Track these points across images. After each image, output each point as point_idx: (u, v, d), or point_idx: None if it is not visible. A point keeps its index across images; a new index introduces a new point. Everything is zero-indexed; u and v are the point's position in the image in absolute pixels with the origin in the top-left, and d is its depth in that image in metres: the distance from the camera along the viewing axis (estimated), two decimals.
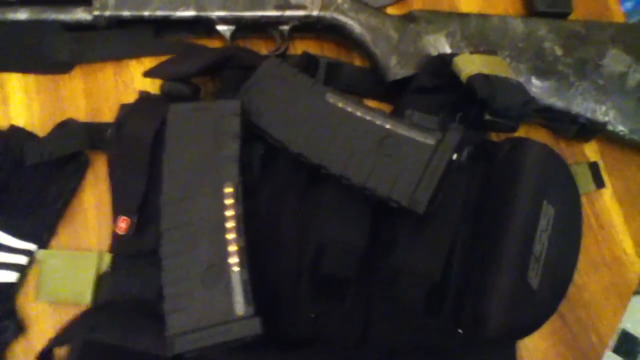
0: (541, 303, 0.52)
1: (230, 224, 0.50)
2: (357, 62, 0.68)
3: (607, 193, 0.66)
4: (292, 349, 0.53)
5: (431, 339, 0.55)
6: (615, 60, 0.62)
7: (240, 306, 0.48)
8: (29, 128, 0.63)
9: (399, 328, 0.55)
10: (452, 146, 0.50)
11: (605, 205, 0.65)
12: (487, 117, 0.54)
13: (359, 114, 0.54)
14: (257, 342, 0.48)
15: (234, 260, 0.49)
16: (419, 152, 0.51)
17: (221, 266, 0.49)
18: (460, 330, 0.54)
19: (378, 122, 0.53)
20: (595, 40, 0.63)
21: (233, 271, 0.49)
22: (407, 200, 0.49)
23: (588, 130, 0.64)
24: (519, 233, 0.51)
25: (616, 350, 1.40)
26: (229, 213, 0.51)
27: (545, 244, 0.52)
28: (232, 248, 0.50)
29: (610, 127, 0.62)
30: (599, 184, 0.65)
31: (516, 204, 0.52)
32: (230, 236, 0.50)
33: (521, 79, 0.61)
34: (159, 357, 0.50)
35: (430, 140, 0.51)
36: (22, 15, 0.62)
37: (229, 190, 0.51)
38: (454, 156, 0.51)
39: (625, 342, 1.40)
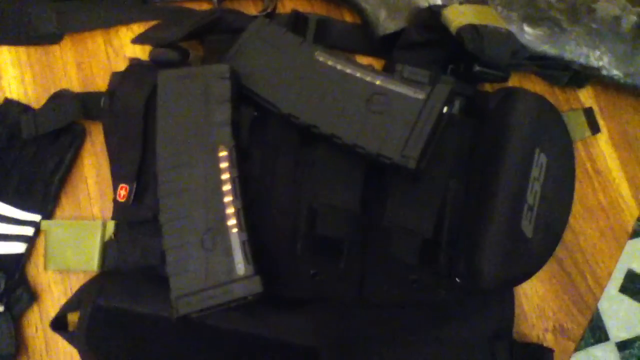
0: (536, 251, 0.53)
1: (226, 187, 0.51)
2: (348, 18, 0.67)
3: (602, 138, 0.66)
4: (290, 308, 0.55)
5: (427, 294, 0.56)
6: (608, 4, 0.60)
7: (240, 266, 0.49)
8: (23, 100, 0.63)
9: (395, 285, 0.56)
10: (442, 99, 0.50)
11: (601, 151, 0.65)
12: (477, 68, 0.53)
13: (348, 71, 0.54)
14: (257, 301, 0.50)
15: (232, 222, 0.50)
16: (409, 107, 0.51)
17: (220, 229, 0.50)
18: (458, 280, 0.55)
19: (368, 79, 0.53)
20: None
21: (232, 233, 0.50)
22: (398, 156, 0.49)
23: (582, 76, 0.63)
24: (510, 183, 0.52)
25: (623, 290, 1.43)
26: (225, 176, 0.52)
27: (538, 193, 0.53)
28: (230, 210, 0.51)
29: (604, 72, 0.61)
30: (595, 129, 0.65)
31: (507, 154, 0.52)
32: (227, 199, 0.51)
33: (512, 28, 0.60)
34: (166, 319, 0.52)
35: (420, 95, 0.51)
36: None
37: (223, 153, 0.52)
38: (444, 109, 0.51)
39: (631, 281, 1.42)
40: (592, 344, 1.41)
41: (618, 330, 1.42)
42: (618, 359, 1.41)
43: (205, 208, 0.51)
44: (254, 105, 0.56)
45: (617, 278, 1.43)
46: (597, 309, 1.40)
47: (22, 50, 0.65)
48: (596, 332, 1.42)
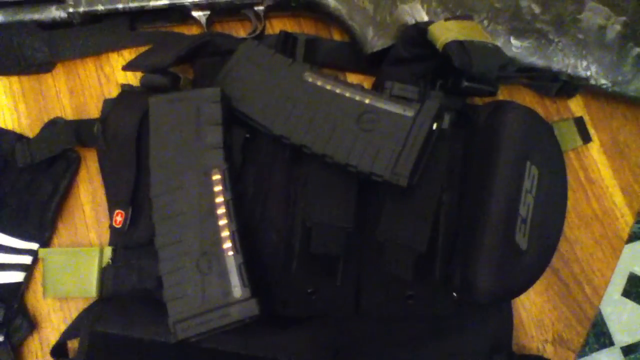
0: (531, 263, 0.53)
1: (220, 210, 0.52)
2: (337, 36, 0.67)
3: (594, 147, 0.66)
4: (287, 326, 0.55)
5: (423, 309, 0.56)
6: (593, 13, 0.61)
7: (237, 289, 0.50)
8: (17, 129, 0.64)
9: (391, 300, 0.56)
10: (431, 116, 0.51)
11: (593, 159, 0.66)
12: (465, 83, 0.54)
13: (338, 90, 0.54)
14: (255, 322, 0.50)
15: (227, 245, 0.51)
16: (399, 125, 0.51)
17: (215, 252, 0.51)
18: (455, 294, 0.55)
19: (357, 98, 0.53)
20: None
21: (227, 256, 0.51)
22: (389, 173, 0.49)
23: (571, 86, 0.63)
24: (503, 196, 0.52)
25: (625, 294, 1.42)
26: (219, 199, 0.52)
27: (531, 205, 0.53)
28: (225, 233, 0.51)
29: (592, 82, 0.62)
30: (586, 138, 0.65)
31: (499, 167, 0.53)
32: (222, 222, 0.51)
33: (499, 41, 0.60)
34: (164, 343, 0.52)
35: (409, 112, 0.51)
36: None
37: (216, 177, 0.52)
38: (434, 126, 0.51)
39: (633, 284, 1.42)
40: (597, 350, 1.40)
41: (622, 335, 1.42)
42: None
43: (200, 231, 0.51)
44: (245, 127, 0.57)
45: (619, 282, 1.43)
46: (600, 314, 1.40)
47: (14, 79, 0.65)
48: (600, 338, 1.41)
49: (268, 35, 0.66)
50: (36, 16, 0.62)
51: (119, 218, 0.57)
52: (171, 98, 0.54)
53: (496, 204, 0.52)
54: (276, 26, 0.67)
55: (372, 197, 0.56)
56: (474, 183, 0.54)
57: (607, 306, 1.41)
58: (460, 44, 0.53)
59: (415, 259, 0.53)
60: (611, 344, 1.41)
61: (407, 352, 0.57)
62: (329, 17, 0.63)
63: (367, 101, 0.53)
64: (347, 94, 0.54)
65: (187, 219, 0.52)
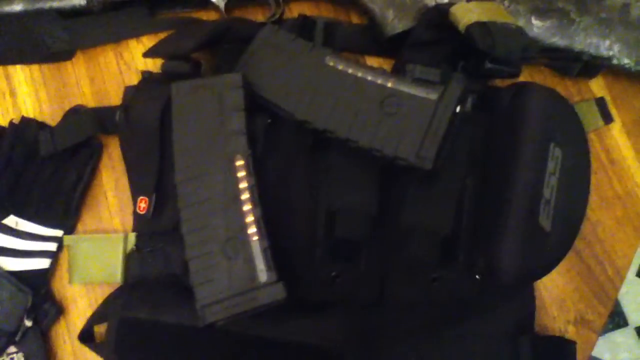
0: (555, 244, 0.53)
1: (244, 196, 0.52)
2: (355, 19, 0.67)
3: (616, 128, 0.65)
4: (312, 311, 0.56)
5: (447, 292, 0.56)
6: None
7: (263, 273, 0.50)
8: (38, 118, 0.64)
9: (416, 284, 0.56)
10: (455, 99, 0.50)
11: (614, 140, 0.65)
12: (488, 65, 0.53)
13: (359, 74, 0.54)
14: (280, 306, 0.50)
15: (252, 230, 0.51)
16: (422, 108, 0.51)
17: (241, 237, 0.51)
18: (478, 276, 0.55)
19: (379, 82, 0.53)
20: None
21: (253, 240, 0.51)
22: (414, 157, 0.50)
23: (593, 66, 0.63)
24: (526, 178, 0.52)
25: None
26: (243, 185, 0.52)
27: (554, 186, 0.53)
28: (249, 219, 0.51)
29: (615, 61, 0.61)
30: (607, 119, 0.65)
31: (522, 149, 0.52)
32: (246, 207, 0.52)
33: (521, 21, 0.60)
34: (191, 328, 0.53)
35: (433, 95, 0.51)
36: (17, 7, 0.63)
37: (240, 162, 0.53)
38: (457, 108, 0.51)
39: None
40: (611, 330, 1.41)
41: (637, 315, 1.42)
42: (638, 343, 1.41)
43: (225, 217, 0.52)
44: (267, 112, 0.57)
45: (634, 263, 1.43)
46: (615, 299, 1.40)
47: (35, 68, 0.66)
48: (615, 318, 1.41)
49: (287, 20, 0.66)
50: (56, 4, 0.63)
51: (142, 204, 0.57)
52: (193, 84, 0.55)
53: (520, 186, 0.52)
54: (295, 10, 0.67)
55: (395, 182, 0.56)
56: (497, 165, 0.54)
57: (622, 286, 1.41)
58: (483, 26, 0.52)
59: (440, 242, 0.53)
60: (625, 324, 1.41)
61: (430, 336, 0.57)
62: (348, 0, 0.63)
63: (389, 85, 0.53)
64: (369, 78, 0.54)
65: (212, 204, 0.52)
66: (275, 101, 0.55)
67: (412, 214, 0.54)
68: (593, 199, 0.64)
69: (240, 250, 0.51)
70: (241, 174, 0.52)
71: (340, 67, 0.55)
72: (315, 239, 0.56)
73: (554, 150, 0.53)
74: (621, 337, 1.41)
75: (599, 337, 1.42)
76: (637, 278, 1.43)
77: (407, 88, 0.52)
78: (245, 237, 0.51)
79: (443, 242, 0.53)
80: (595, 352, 1.40)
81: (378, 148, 0.51)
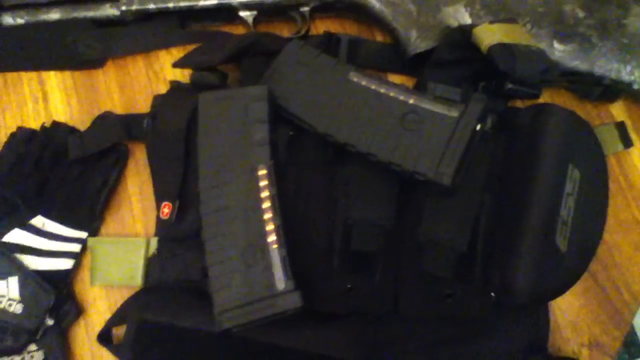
0: (570, 265, 0.53)
1: (265, 205, 0.53)
2: (379, 37, 0.69)
3: (635, 152, 0.66)
4: (326, 321, 0.56)
5: (461, 308, 0.56)
6: (639, 18, 0.61)
7: (280, 282, 0.51)
8: (69, 123, 0.66)
9: (429, 299, 0.56)
10: (475, 117, 0.51)
11: (634, 164, 0.65)
12: (509, 86, 0.54)
13: (382, 90, 0.55)
14: (295, 316, 0.51)
15: (272, 238, 0.52)
16: (443, 125, 0.52)
17: (260, 245, 0.52)
18: (493, 294, 0.56)
19: (401, 98, 0.54)
20: None
21: (272, 249, 0.52)
22: (433, 173, 0.50)
23: (613, 90, 0.63)
24: (544, 198, 0.52)
25: None
26: (264, 194, 0.53)
27: (572, 207, 0.53)
28: (270, 227, 0.52)
29: (636, 86, 0.61)
30: (627, 143, 0.65)
31: (541, 169, 0.53)
32: (267, 216, 0.53)
33: (542, 45, 0.61)
34: (208, 333, 0.54)
35: (453, 113, 0.52)
36: (54, 15, 0.65)
37: (262, 172, 0.54)
38: (478, 127, 0.52)
39: None
40: None
41: None
42: None
43: (246, 225, 0.53)
44: (290, 125, 0.58)
45: None
46: (631, 324, 1.38)
47: (67, 74, 0.68)
48: (630, 348, 1.39)
49: (312, 36, 0.67)
50: (91, 14, 0.65)
51: (166, 210, 0.59)
52: (220, 95, 0.56)
53: (537, 206, 0.52)
54: (320, 27, 0.69)
55: (413, 197, 0.57)
56: (515, 185, 0.55)
57: (638, 317, 1.39)
58: (505, 47, 0.53)
59: (456, 258, 0.54)
60: None
61: (442, 352, 0.57)
62: (372, 19, 0.65)
63: (411, 101, 0.54)
64: (392, 94, 0.55)
65: (233, 212, 0.53)
66: (299, 114, 0.57)
67: (429, 229, 0.55)
68: (610, 222, 0.64)
69: (259, 257, 0.52)
70: (263, 183, 0.53)
71: (363, 82, 0.56)
72: (331, 250, 0.57)
73: (572, 171, 0.53)
74: None
75: None
76: None
77: (428, 105, 0.53)
78: (265, 245, 0.52)
79: (459, 259, 0.54)
80: None
81: (398, 162, 0.52)
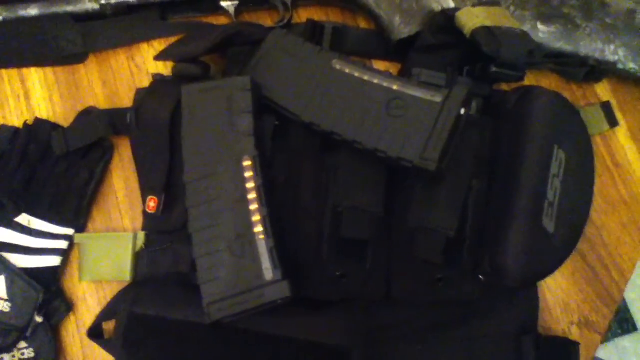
0: (558, 246, 0.54)
1: (252, 195, 0.53)
2: (363, 24, 0.68)
3: (621, 131, 0.66)
4: (319, 309, 0.56)
5: (453, 292, 0.57)
6: None
7: (269, 272, 0.51)
8: (52, 119, 0.65)
9: (421, 284, 0.56)
10: (459, 102, 0.51)
11: (620, 144, 0.66)
12: (494, 69, 0.54)
13: (366, 78, 0.55)
14: (287, 304, 0.51)
15: (258, 229, 0.52)
16: (427, 111, 0.52)
17: (247, 236, 0.52)
18: (482, 277, 0.56)
19: (385, 85, 0.54)
20: None
21: (259, 239, 0.52)
22: (418, 159, 0.50)
23: (598, 70, 0.63)
24: (530, 180, 0.53)
25: None
26: (250, 185, 0.53)
27: (558, 189, 0.54)
28: (256, 218, 0.52)
29: (620, 66, 0.62)
30: (613, 123, 0.65)
31: (526, 152, 0.53)
32: (253, 207, 0.53)
33: (526, 27, 0.61)
34: (199, 325, 0.54)
35: (438, 98, 0.52)
36: (32, 11, 0.64)
37: (247, 163, 0.54)
38: (462, 111, 0.52)
39: None
40: (620, 335, 1.40)
41: None
42: None
43: (233, 216, 0.53)
44: (275, 115, 0.58)
45: None
46: (624, 300, 1.39)
47: (49, 70, 0.67)
48: (624, 324, 1.41)
49: (295, 24, 0.67)
50: (70, 8, 0.64)
51: (152, 204, 0.58)
52: (203, 87, 0.56)
53: (524, 189, 0.53)
54: (303, 15, 0.68)
55: (402, 183, 0.57)
56: (502, 168, 0.55)
57: (630, 292, 1.40)
58: (488, 30, 0.53)
59: (445, 243, 0.54)
60: (635, 329, 1.40)
61: (435, 336, 0.58)
62: (355, 5, 0.64)
63: (395, 87, 0.54)
64: (376, 81, 0.54)
65: (220, 204, 0.53)
66: (283, 104, 0.56)
67: (418, 215, 0.55)
68: (598, 202, 0.64)
69: (247, 248, 0.52)
70: (248, 174, 0.53)
71: (347, 70, 0.56)
72: (322, 238, 0.57)
73: (558, 153, 0.54)
74: (630, 342, 1.40)
75: (608, 343, 1.42)
76: None
77: (412, 91, 0.53)
78: (252, 236, 0.52)
79: (448, 243, 0.54)
80: (604, 358, 1.39)
81: (383, 150, 0.52)
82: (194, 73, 0.58)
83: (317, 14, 0.68)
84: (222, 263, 0.52)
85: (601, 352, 1.39)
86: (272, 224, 0.52)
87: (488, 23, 0.54)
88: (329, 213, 0.57)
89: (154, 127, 0.58)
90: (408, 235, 0.55)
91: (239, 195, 0.53)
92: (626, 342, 1.40)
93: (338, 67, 0.56)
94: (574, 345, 0.58)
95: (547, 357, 0.57)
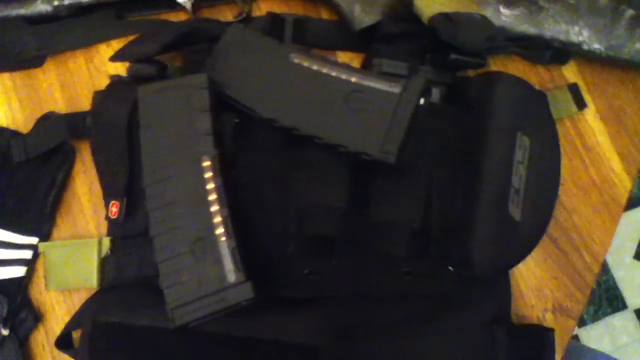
0: (525, 233, 0.53)
1: (212, 196, 0.52)
2: (325, 15, 0.67)
3: (590, 113, 0.65)
4: (288, 308, 0.55)
5: (422, 285, 0.56)
6: None
7: (231, 274, 0.50)
8: (11, 126, 0.64)
9: (389, 278, 0.56)
10: (417, 91, 0.50)
11: (589, 126, 0.65)
12: (453, 56, 0.53)
13: (324, 70, 0.54)
14: (255, 304, 0.50)
15: (220, 230, 0.51)
16: (386, 102, 0.51)
17: (209, 238, 0.51)
18: (451, 268, 0.55)
19: (344, 77, 0.53)
20: None
21: (221, 241, 0.51)
22: (377, 152, 0.49)
23: (564, 52, 0.63)
24: (494, 168, 0.52)
25: (637, 257, 1.42)
26: (210, 186, 0.52)
27: (523, 175, 0.53)
28: (217, 219, 0.51)
29: (585, 47, 0.61)
30: (581, 105, 0.64)
31: (489, 140, 0.52)
32: (214, 208, 0.52)
33: (489, 10, 0.59)
34: (165, 330, 0.53)
35: (395, 88, 0.51)
36: None
37: (206, 163, 0.53)
38: (421, 101, 0.51)
39: None
40: (610, 313, 1.41)
41: (635, 298, 1.42)
42: (637, 326, 1.41)
43: (194, 218, 0.51)
44: (236, 112, 0.57)
45: (631, 246, 1.43)
46: (612, 278, 1.40)
47: (6, 76, 0.66)
48: (613, 302, 1.41)
49: (256, 18, 0.65)
50: (22, 11, 0.62)
51: (114, 209, 0.57)
52: (159, 87, 0.54)
53: (488, 177, 0.52)
54: (263, 8, 0.66)
55: (368, 177, 0.56)
56: (465, 157, 0.54)
57: (619, 270, 1.42)
58: (445, 17, 0.52)
59: (410, 235, 0.53)
60: (624, 307, 1.41)
61: (407, 330, 0.57)
62: None
63: (354, 80, 0.53)
64: (334, 74, 0.53)
65: (180, 206, 0.52)
66: (242, 100, 0.55)
67: (380, 208, 0.54)
68: (569, 186, 0.63)
69: (208, 251, 0.51)
70: (208, 174, 0.52)
71: (305, 63, 0.55)
72: (287, 236, 0.56)
73: (521, 139, 0.53)
74: (620, 320, 1.41)
75: (598, 322, 1.43)
76: (634, 261, 1.43)
77: (371, 82, 0.52)
78: (213, 238, 0.51)
79: (413, 236, 0.53)
80: (593, 337, 1.40)
81: (344, 144, 0.51)
82: (149, 73, 0.57)
83: (277, 7, 0.66)
84: (184, 266, 0.51)
85: (591, 331, 1.40)
86: (234, 225, 0.51)
87: (446, 9, 0.53)
88: (292, 210, 0.56)
89: (112, 131, 0.57)
90: (372, 230, 0.54)
91: (199, 196, 0.52)
92: (616, 321, 1.41)
93: (296, 60, 0.55)
94: (549, 332, 0.58)
95: (522, 345, 0.57)
